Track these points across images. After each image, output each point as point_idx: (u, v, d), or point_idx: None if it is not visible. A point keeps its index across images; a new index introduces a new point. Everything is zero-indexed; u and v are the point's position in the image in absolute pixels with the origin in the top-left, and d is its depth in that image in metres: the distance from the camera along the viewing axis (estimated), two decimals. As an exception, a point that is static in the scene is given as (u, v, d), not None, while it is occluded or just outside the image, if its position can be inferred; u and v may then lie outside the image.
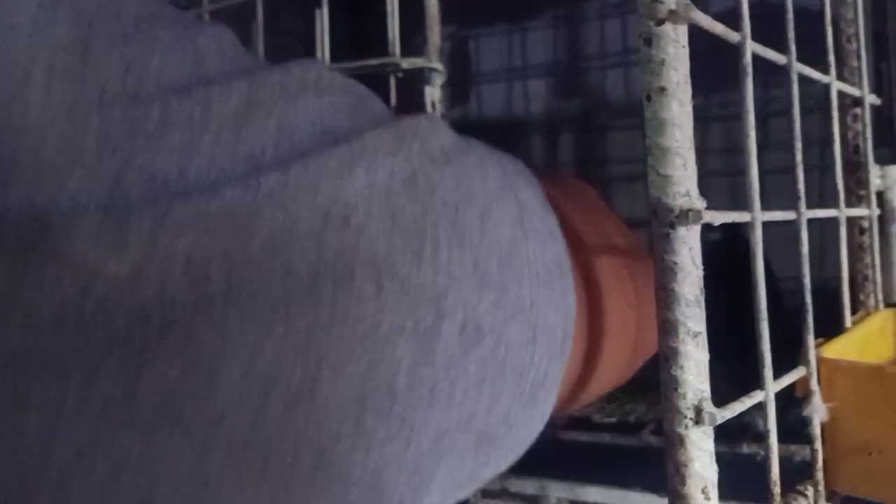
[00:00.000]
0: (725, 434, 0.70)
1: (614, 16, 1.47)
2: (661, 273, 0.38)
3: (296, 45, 1.10)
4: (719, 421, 0.38)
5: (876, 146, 0.71)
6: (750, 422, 0.80)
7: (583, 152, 1.49)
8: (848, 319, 0.58)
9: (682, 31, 0.39)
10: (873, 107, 0.71)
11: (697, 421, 0.37)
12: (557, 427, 0.91)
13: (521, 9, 1.54)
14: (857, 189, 0.69)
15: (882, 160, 0.70)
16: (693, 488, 0.38)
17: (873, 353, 0.59)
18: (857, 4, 0.68)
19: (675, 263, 0.37)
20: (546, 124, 1.53)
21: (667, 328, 0.38)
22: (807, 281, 0.49)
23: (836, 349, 0.53)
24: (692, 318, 0.38)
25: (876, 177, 0.68)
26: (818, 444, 0.50)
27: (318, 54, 0.98)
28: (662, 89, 0.38)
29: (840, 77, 0.68)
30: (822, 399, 0.50)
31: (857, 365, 0.50)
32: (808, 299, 0.49)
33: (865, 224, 0.68)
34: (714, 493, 0.39)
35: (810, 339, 0.50)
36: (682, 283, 0.37)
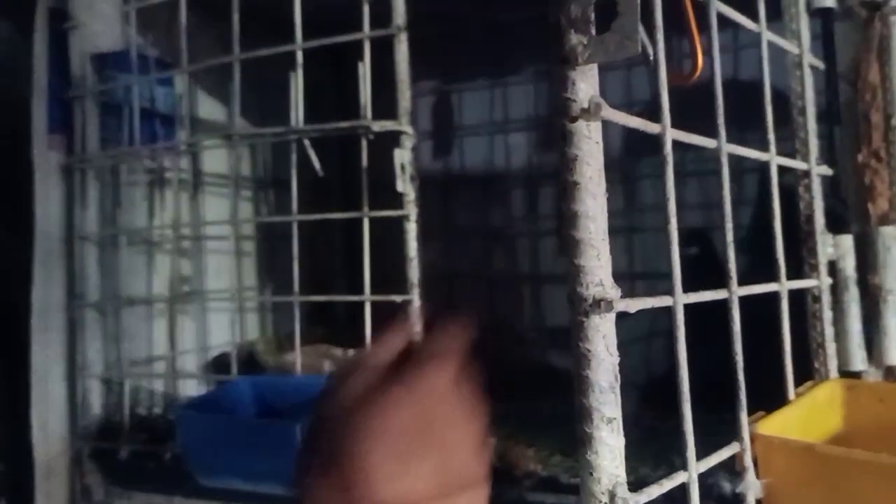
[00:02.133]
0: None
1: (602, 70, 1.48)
2: (576, 360, 0.39)
3: (278, 102, 1.12)
4: (630, 504, 0.39)
5: (830, 215, 0.72)
6: (713, 484, 0.81)
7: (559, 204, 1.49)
8: (791, 392, 0.59)
9: (596, 128, 0.41)
10: (826, 177, 0.73)
11: None
12: (524, 487, 0.91)
13: (502, 64, 1.56)
14: (809, 258, 0.70)
15: (836, 230, 0.71)
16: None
17: (818, 426, 0.60)
18: (804, 79, 0.70)
19: (589, 351, 0.38)
20: (527, 177, 1.54)
21: (582, 414, 0.39)
22: (739, 359, 0.50)
23: (775, 424, 0.54)
24: (606, 404, 0.38)
25: (829, 245, 0.69)
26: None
27: (292, 115, 1.01)
28: (576, 184, 0.39)
29: (789, 150, 0.70)
30: (759, 474, 0.50)
31: (789, 443, 0.51)
32: (741, 377, 0.50)
33: (817, 293, 0.69)
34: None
35: (743, 417, 0.50)
36: (597, 371, 0.38)
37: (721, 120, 0.53)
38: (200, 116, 1.40)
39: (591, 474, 0.39)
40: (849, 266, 0.69)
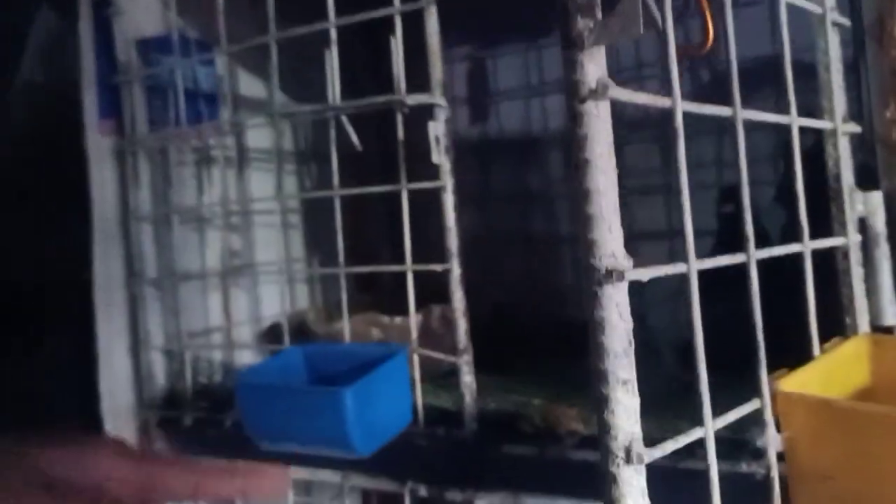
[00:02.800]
0: (726, 450, 0.73)
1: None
2: (592, 328, 0.41)
3: (314, 78, 1.15)
4: (648, 460, 0.41)
5: (860, 172, 0.73)
6: (749, 439, 0.82)
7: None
8: (816, 348, 0.60)
9: (605, 107, 0.43)
10: (855, 134, 0.73)
11: (628, 460, 0.41)
12: (567, 446, 0.94)
13: (535, 27, 1.56)
14: (837, 216, 0.71)
15: (865, 186, 0.72)
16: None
17: (841, 381, 0.61)
18: (828, 36, 0.70)
19: (604, 318, 0.41)
20: (564, 140, 1.55)
21: (599, 377, 0.41)
22: (758, 318, 0.52)
23: (797, 380, 0.56)
24: (621, 367, 0.41)
25: (858, 202, 0.70)
26: (774, 472, 0.52)
27: (328, 93, 1.04)
28: (587, 161, 0.41)
29: (814, 106, 0.70)
30: (781, 428, 0.52)
31: (808, 398, 0.52)
32: (760, 337, 0.52)
33: (847, 250, 0.70)
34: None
35: (763, 374, 0.52)
36: (611, 337, 0.41)
37: (736, 86, 0.55)
38: (243, 94, 1.44)
39: (609, 432, 0.42)
40: (879, 222, 0.70)
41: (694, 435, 0.47)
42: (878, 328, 0.71)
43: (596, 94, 0.42)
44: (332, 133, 1.05)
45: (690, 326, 0.47)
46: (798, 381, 0.56)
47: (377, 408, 0.91)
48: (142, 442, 1.23)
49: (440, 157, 0.95)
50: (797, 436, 0.52)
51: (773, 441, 0.52)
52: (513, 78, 1.60)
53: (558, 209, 1.61)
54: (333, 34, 1.02)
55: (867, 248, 0.71)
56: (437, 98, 0.97)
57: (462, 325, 0.98)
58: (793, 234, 0.74)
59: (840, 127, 0.70)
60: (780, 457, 0.56)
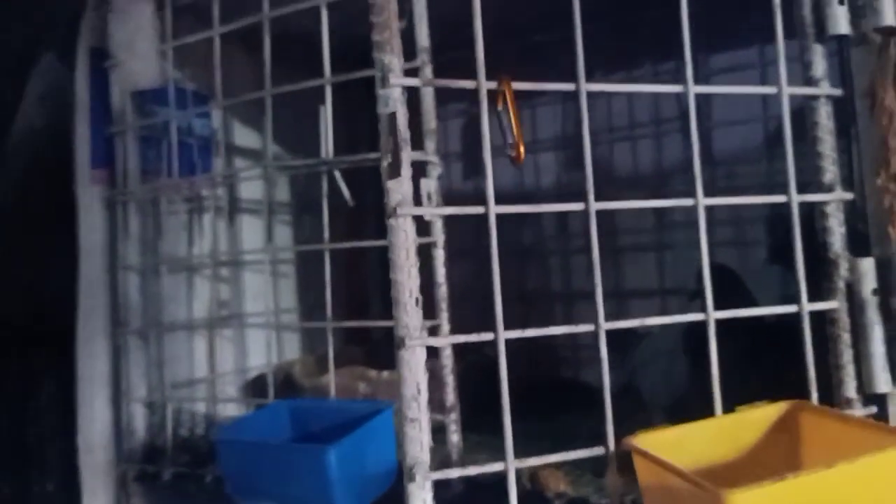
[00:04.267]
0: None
1: (620, 92, 1.51)
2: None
3: (314, 128, 1.15)
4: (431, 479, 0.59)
5: (851, 239, 0.73)
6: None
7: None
8: (718, 408, 0.67)
9: (405, 221, 0.62)
10: (847, 201, 0.73)
11: (412, 479, 0.61)
12: (555, 509, 0.92)
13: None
14: (827, 282, 0.71)
15: (856, 252, 0.72)
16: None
17: (722, 443, 0.62)
18: (820, 108, 0.71)
19: (401, 374, 0.59)
20: (556, 196, 1.54)
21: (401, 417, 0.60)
22: (606, 382, 0.66)
23: (656, 437, 0.61)
24: (410, 409, 0.61)
25: (846, 269, 0.70)
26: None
27: (323, 148, 1.04)
28: (394, 262, 0.65)
29: (808, 176, 0.71)
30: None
31: (642, 453, 0.57)
32: (608, 397, 0.66)
33: (835, 315, 0.70)
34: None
35: (609, 428, 0.65)
36: (406, 386, 0.60)
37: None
38: (237, 145, 1.45)
39: (406, 457, 0.61)
40: (867, 289, 0.69)
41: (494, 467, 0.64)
42: (870, 396, 0.71)
43: (396, 212, 0.61)
44: (325, 187, 1.05)
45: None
46: (659, 437, 0.61)
47: (362, 466, 0.89)
48: (119, 498, 1.20)
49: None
50: (642, 487, 0.58)
51: (611, 484, 0.63)
52: (498, 136, 1.61)
53: (552, 266, 1.61)
54: (328, 91, 1.03)
55: (857, 314, 0.70)
56: (430, 156, 0.97)
57: (450, 382, 0.97)
58: (784, 298, 0.74)
59: (832, 196, 0.70)
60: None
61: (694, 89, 0.69)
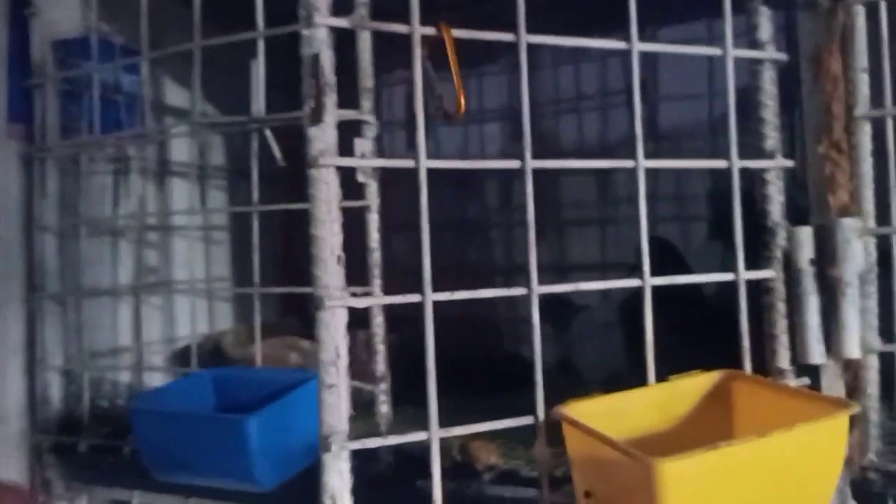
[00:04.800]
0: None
1: (567, 63, 1.48)
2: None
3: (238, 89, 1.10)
4: (348, 449, 0.56)
5: (790, 207, 0.71)
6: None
7: (535, 196, 1.47)
8: (651, 377, 0.64)
9: (328, 172, 0.56)
10: (788, 169, 0.71)
11: (327, 448, 0.56)
12: (485, 481, 0.90)
13: (477, 54, 1.54)
14: (764, 250, 0.69)
15: (796, 221, 0.70)
16: (325, 496, 0.57)
17: (651, 411, 0.61)
18: (764, 74, 0.69)
19: (321, 336, 0.56)
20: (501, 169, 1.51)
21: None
22: (537, 349, 0.64)
23: (589, 406, 0.59)
24: (328, 374, 0.56)
25: (784, 237, 0.68)
26: (545, 484, 0.63)
27: (254, 106, 0.99)
28: (314, 216, 0.57)
29: (748, 144, 0.69)
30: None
31: (572, 422, 0.56)
32: (539, 365, 0.63)
33: (770, 285, 0.68)
34: (342, 500, 0.57)
35: (539, 395, 0.62)
36: (325, 350, 0.56)
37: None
38: (169, 104, 1.38)
39: (322, 425, 0.57)
40: (804, 258, 0.68)
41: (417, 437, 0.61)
42: (804, 367, 0.69)
43: (319, 161, 0.56)
44: (255, 146, 1.00)
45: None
46: (590, 407, 0.60)
47: (285, 438, 0.85)
48: (33, 470, 1.14)
49: (366, 175, 0.91)
50: (572, 458, 0.57)
51: (541, 455, 0.61)
52: (452, 104, 1.57)
53: (494, 239, 1.58)
54: (261, 44, 0.97)
55: (793, 283, 0.69)
56: (366, 115, 0.93)
57: (381, 352, 0.93)
58: (724, 272, 0.72)
59: (772, 163, 0.68)
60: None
61: (638, 46, 0.67)
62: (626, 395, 0.63)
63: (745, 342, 0.65)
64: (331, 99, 0.57)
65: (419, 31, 0.60)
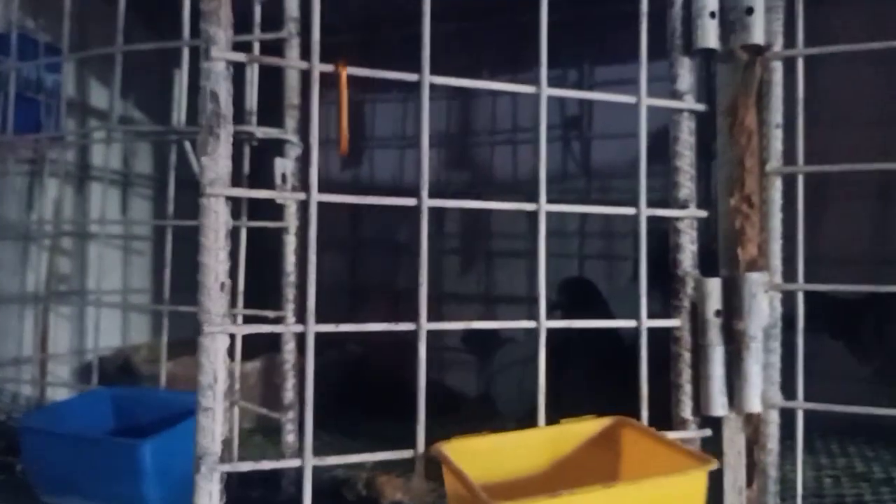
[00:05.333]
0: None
1: (505, 94, 1.48)
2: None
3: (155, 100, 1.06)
4: (218, 471, 0.58)
5: (705, 258, 0.71)
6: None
7: (467, 224, 1.48)
8: (541, 420, 0.64)
9: (217, 202, 0.57)
10: (701, 219, 0.72)
11: (198, 470, 0.59)
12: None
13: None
14: (673, 299, 0.69)
15: (707, 272, 0.70)
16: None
17: (530, 454, 0.61)
18: (682, 124, 0.69)
19: (200, 361, 0.58)
20: (434, 193, 1.50)
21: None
22: (421, 381, 0.65)
23: (473, 444, 0.60)
24: (205, 398, 0.58)
25: (691, 288, 0.68)
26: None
27: (174, 116, 0.96)
28: (202, 244, 0.57)
29: (666, 191, 0.69)
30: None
31: (444, 460, 0.56)
32: (422, 398, 0.64)
33: (678, 334, 0.68)
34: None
35: (420, 430, 0.63)
36: (202, 374, 0.58)
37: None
38: (94, 107, 1.33)
39: (196, 447, 0.59)
40: (710, 309, 0.68)
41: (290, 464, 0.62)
42: (707, 418, 0.69)
43: (208, 191, 0.57)
44: (173, 157, 0.97)
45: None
46: (477, 444, 0.61)
47: (180, 463, 0.81)
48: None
49: (286, 196, 0.88)
50: (448, 494, 0.56)
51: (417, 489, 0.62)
52: (389, 126, 1.56)
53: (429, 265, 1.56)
54: (185, 53, 0.95)
55: (699, 334, 0.69)
56: (289, 134, 0.91)
57: (290, 379, 0.91)
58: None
59: (684, 213, 0.68)
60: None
61: (546, 92, 0.66)
62: (514, 434, 0.63)
63: (644, 390, 0.65)
64: (225, 131, 0.58)
65: (318, 68, 0.59)
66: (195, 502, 0.60)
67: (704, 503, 0.52)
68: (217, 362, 0.57)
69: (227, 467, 0.59)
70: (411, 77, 0.62)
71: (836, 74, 1.05)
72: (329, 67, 0.61)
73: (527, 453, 0.61)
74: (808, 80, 0.72)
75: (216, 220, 0.58)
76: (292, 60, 0.83)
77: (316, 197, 0.60)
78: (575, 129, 1.39)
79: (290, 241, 0.90)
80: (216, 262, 0.58)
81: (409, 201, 0.64)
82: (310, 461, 0.61)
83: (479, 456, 0.58)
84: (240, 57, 0.58)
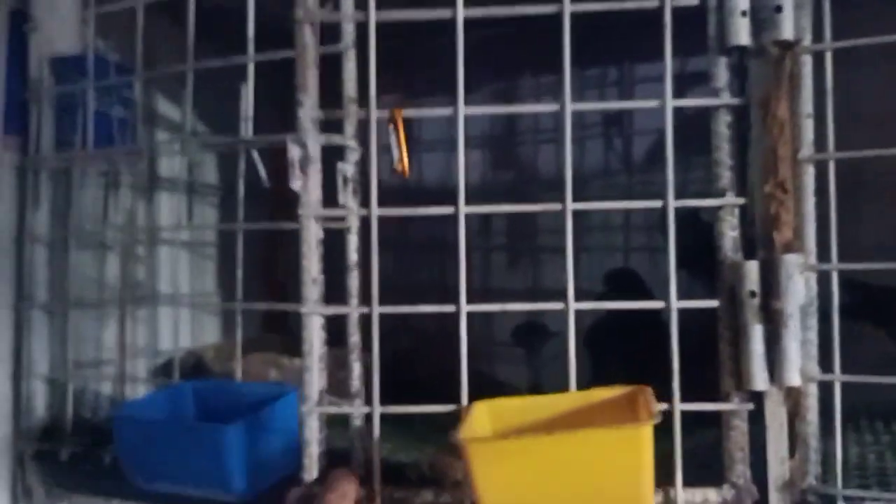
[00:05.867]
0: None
1: (547, 94, 1.54)
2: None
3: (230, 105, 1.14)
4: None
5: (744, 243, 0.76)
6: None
7: (514, 222, 1.53)
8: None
9: None
10: (739, 206, 0.76)
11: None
12: (452, 497, 0.93)
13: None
14: (716, 282, 0.74)
15: (745, 255, 0.75)
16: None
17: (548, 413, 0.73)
18: (719, 116, 0.74)
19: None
20: (481, 194, 1.57)
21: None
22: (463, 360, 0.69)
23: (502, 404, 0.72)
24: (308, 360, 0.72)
25: (735, 270, 0.73)
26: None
27: (242, 127, 1.03)
28: None
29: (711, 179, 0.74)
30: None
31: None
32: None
33: (721, 314, 0.73)
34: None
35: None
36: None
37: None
38: (161, 118, 1.42)
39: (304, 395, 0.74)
40: (745, 290, 0.73)
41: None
42: (751, 392, 0.74)
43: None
44: (241, 166, 1.04)
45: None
46: (503, 405, 0.75)
47: (262, 448, 0.88)
48: (15, 476, 1.17)
49: (346, 197, 0.95)
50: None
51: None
52: (437, 130, 1.63)
53: (474, 261, 1.62)
54: (251, 68, 1.02)
55: (741, 314, 0.73)
56: (348, 140, 0.97)
57: (356, 370, 0.97)
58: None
59: (723, 201, 0.73)
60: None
61: (570, 107, 0.72)
62: (545, 397, 0.76)
63: (675, 364, 0.72)
64: (314, 168, 0.78)
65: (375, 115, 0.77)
66: (304, 432, 0.82)
67: (643, 457, 0.63)
68: (314, 334, 0.79)
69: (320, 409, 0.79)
70: (446, 112, 0.69)
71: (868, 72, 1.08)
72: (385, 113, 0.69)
73: (553, 413, 0.73)
74: (837, 71, 0.76)
75: (310, 234, 0.80)
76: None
77: (376, 212, 0.80)
78: (616, 126, 1.43)
79: (352, 240, 0.97)
80: (311, 263, 0.78)
81: (448, 210, 0.71)
82: (377, 408, 0.78)
83: (511, 413, 0.71)
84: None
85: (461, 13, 0.82)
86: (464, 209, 0.90)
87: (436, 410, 0.83)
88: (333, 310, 0.89)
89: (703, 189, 0.80)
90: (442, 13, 0.89)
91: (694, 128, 0.82)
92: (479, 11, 0.90)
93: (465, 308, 0.88)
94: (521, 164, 1.56)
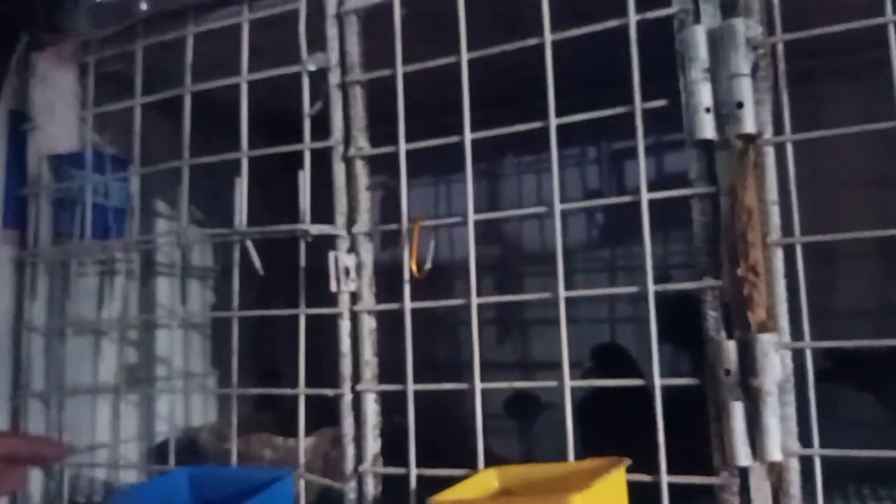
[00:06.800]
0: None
1: (529, 172, 1.59)
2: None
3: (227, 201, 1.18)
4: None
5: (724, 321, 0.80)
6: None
7: (500, 295, 1.57)
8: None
9: None
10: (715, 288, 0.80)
11: None
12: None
13: (447, 161, 1.65)
14: (699, 361, 0.78)
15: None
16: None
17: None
18: (694, 205, 0.79)
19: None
20: (468, 268, 1.61)
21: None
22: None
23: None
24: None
25: (712, 350, 0.77)
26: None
27: (237, 219, 1.07)
28: None
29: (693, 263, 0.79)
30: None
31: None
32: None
33: (706, 392, 0.77)
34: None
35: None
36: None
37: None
38: (155, 209, 1.46)
39: None
40: (721, 369, 0.76)
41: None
42: (736, 468, 0.76)
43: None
44: (236, 255, 1.08)
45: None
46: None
47: (259, 536, 0.89)
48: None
49: (338, 285, 0.99)
50: None
51: None
52: (423, 207, 1.67)
53: (461, 335, 1.65)
54: (244, 163, 1.07)
55: (721, 392, 0.77)
56: (339, 230, 1.02)
57: (350, 451, 0.99)
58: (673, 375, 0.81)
59: (699, 284, 0.77)
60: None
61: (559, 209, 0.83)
62: (522, 467, 0.85)
63: (661, 439, 0.77)
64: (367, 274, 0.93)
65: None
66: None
67: None
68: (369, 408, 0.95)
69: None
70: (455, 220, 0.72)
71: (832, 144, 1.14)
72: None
73: (532, 484, 0.81)
74: (806, 150, 0.81)
75: (363, 326, 0.95)
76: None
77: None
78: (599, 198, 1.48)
79: (345, 326, 1.00)
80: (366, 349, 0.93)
81: (459, 301, 0.74)
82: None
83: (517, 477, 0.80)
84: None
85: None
86: (476, 300, 1.04)
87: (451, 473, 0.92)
88: (385, 387, 1.02)
89: (688, 260, 0.84)
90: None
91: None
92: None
93: (480, 385, 1.00)
94: (505, 239, 1.60)
